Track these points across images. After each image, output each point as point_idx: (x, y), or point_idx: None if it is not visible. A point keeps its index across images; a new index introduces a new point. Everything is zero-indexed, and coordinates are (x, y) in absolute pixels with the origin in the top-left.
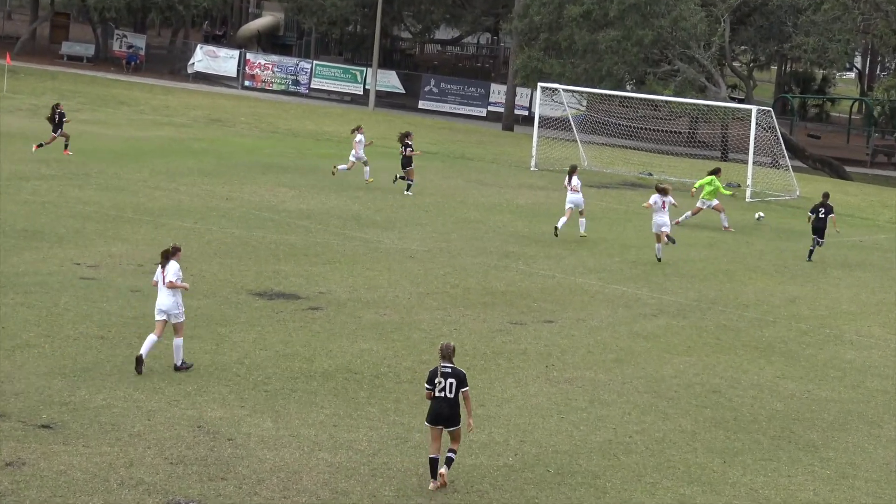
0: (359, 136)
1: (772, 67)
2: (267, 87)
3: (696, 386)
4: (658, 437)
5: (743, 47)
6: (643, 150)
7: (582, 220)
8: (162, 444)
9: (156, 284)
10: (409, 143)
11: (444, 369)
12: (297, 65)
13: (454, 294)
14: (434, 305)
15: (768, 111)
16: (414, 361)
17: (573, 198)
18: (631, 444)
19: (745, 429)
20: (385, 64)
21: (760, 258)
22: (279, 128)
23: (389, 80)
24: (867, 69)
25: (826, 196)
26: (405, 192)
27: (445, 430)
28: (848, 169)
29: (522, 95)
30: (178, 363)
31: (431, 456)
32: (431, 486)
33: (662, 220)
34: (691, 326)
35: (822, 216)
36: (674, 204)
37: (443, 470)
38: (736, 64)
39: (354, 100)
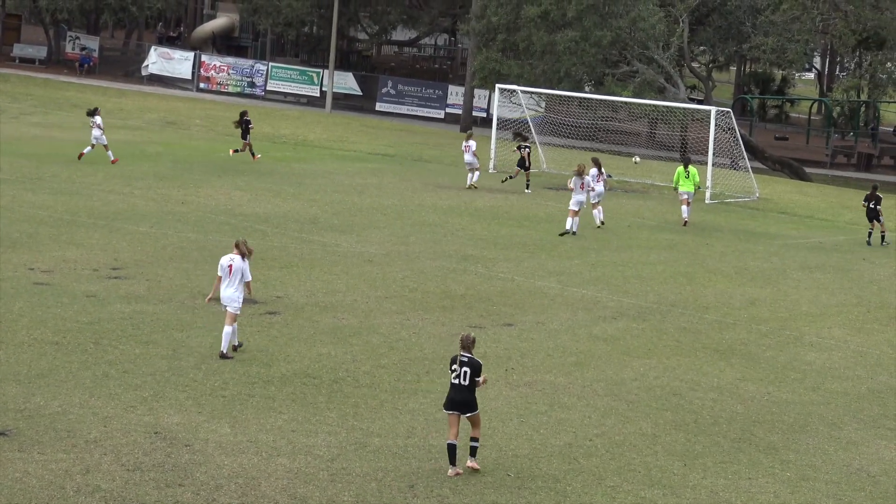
0: None
1: (731, 68)
2: (222, 90)
3: (656, 389)
4: (618, 440)
5: (702, 48)
6: (602, 152)
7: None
8: (118, 451)
9: (220, 279)
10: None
11: (462, 358)
12: (253, 67)
13: (413, 298)
14: (393, 309)
15: (727, 112)
16: (372, 366)
17: (580, 198)
18: (591, 447)
19: (705, 431)
20: (342, 66)
21: (720, 260)
22: (234, 131)
23: (346, 82)
24: (826, 70)
25: (875, 188)
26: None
27: (463, 417)
28: (807, 170)
29: (480, 97)
30: (225, 350)
31: (449, 442)
32: (451, 472)
33: (579, 199)
34: (651, 329)
35: (874, 206)
36: (592, 188)
37: (470, 463)
38: (695, 65)
39: (311, 102)
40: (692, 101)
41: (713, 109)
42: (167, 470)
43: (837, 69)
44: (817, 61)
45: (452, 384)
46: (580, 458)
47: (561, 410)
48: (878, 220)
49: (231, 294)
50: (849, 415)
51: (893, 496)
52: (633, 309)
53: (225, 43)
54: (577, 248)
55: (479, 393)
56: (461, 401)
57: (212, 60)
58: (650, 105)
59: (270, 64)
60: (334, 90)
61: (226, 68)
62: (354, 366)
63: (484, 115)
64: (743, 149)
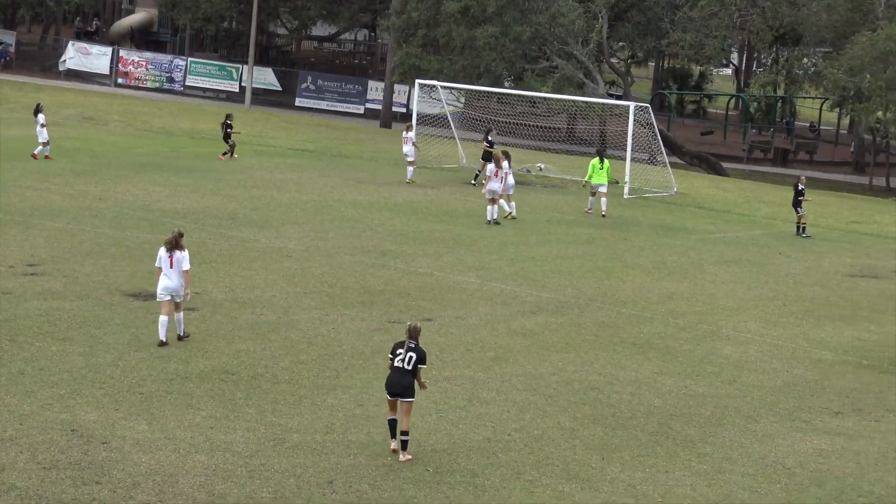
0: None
1: (649, 63)
2: (141, 85)
3: (574, 383)
4: (537, 434)
5: (621, 43)
6: (521, 147)
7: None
8: (34, 449)
9: (160, 270)
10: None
11: (409, 344)
12: (172, 62)
13: (332, 293)
14: (311, 305)
15: (646, 107)
16: (291, 362)
17: (494, 186)
18: (510, 441)
19: (623, 425)
20: (261, 61)
21: (638, 255)
22: (153, 126)
23: (266, 78)
24: (743, 65)
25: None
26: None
27: (399, 401)
28: (725, 165)
29: (400, 92)
30: (182, 333)
31: (390, 418)
32: (393, 444)
33: (492, 188)
34: (570, 323)
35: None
36: (507, 172)
37: (403, 458)
38: (614, 60)
39: (230, 97)
40: (611, 96)
41: (632, 104)
42: (84, 468)
43: (754, 65)
44: (735, 57)
45: (395, 368)
46: (499, 453)
47: (480, 405)
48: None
49: (173, 284)
50: (765, 408)
51: (808, 488)
52: (551, 303)
53: (143, 38)
54: (496, 243)
55: None
56: (402, 384)
57: (130, 55)
58: (569, 100)
59: (189, 59)
60: (254, 85)
61: (144, 63)
62: (273, 362)
63: (403, 110)
64: (661, 144)
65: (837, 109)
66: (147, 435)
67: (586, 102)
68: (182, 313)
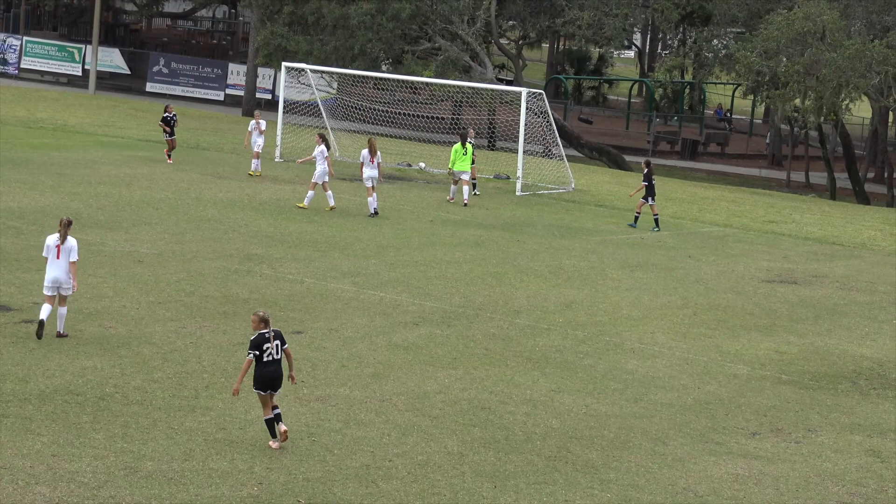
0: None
1: (543, 45)
2: None
3: (462, 402)
4: (421, 460)
5: (511, 23)
6: (401, 139)
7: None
8: None
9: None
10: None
11: (268, 334)
12: (5, 41)
13: (190, 303)
14: (167, 316)
15: (540, 94)
16: (144, 380)
17: (372, 173)
18: (391, 468)
19: (517, 449)
20: (107, 41)
21: (533, 259)
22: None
23: (112, 59)
24: (647, 47)
25: (649, 163)
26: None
27: (271, 392)
28: (628, 158)
29: (265, 77)
30: (62, 330)
31: (268, 418)
32: (274, 445)
33: (371, 174)
34: (457, 336)
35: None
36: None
37: (284, 427)
38: (503, 41)
39: (72, 81)
40: (501, 81)
41: (524, 91)
42: None
43: (659, 47)
44: (637, 38)
45: (266, 363)
46: (379, 481)
47: (357, 428)
48: (653, 200)
49: (60, 276)
50: (674, 428)
51: None
52: (436, 313)
53: None
54: (374, 246)
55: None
56: (278, 377)
57: None
58: (454, 86)
59: (25, 38)
60: (98, 68)
61: None
62: (123, 380)
63: (269, 96)
64: (557, 135)
65: (751, 97)
66: None
67: (473, 88)
68: (66, 308)
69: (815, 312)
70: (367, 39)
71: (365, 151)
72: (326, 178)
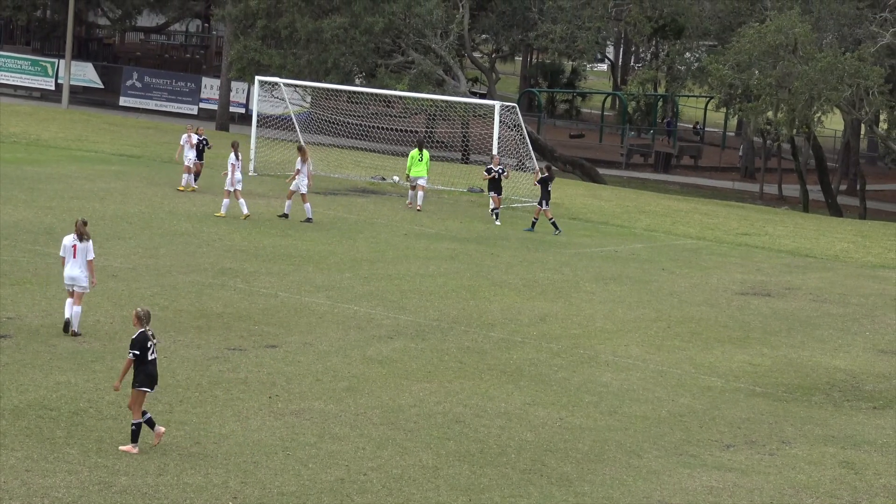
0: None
1: (516, 58)
2: None
3: (437, 415)
4: (396, 473)
5: (484, 36)
6: (375, 152)
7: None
8: None
9: (64, 260)
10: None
11: (149, 332)
12: None
13: (163, 317)
14: None
15: (513, 107)
16: (118, 395)
17: (304, 180)
18: (366, 482)
19: (492, 462)
20: (80, 55)
21: (507, 272)
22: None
23: (85, 74)
24: (620, 60)
25: (550, 167)
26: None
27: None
28: (601, 171)
29: (238, 91)
30: (76, 329)
31: (138, 421)
32: (135, 449)
33: (302, 181)
34: (431, 349)
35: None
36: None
37: (162, 428)
38: (477, 55)
39: (45, 96)
40: (474, 94)
41: (497, 104)
42: None
43: (632, 60)
44: (610, 51)
45: (151, 361)
46: (354, 495)
47: (332, 442)
48: (547, 205)
49: (77, 273)
50: (649, 441)
51: None
52: (410, 327)
53: None
54: (347, 260)
55: (239, 422)
56: (157, 374)
57: None
58: (428, 99)
59: None
60: (72, 83)
61: None
62: (97, 395)
63: (243, 110)
64: (530, 148)
65: (724, 109)
66: None
67: (447, 102)
68: (80, 307)
69: (789, 325)
70: (340, 53)
71: (299, 160)
72: (239, 187)
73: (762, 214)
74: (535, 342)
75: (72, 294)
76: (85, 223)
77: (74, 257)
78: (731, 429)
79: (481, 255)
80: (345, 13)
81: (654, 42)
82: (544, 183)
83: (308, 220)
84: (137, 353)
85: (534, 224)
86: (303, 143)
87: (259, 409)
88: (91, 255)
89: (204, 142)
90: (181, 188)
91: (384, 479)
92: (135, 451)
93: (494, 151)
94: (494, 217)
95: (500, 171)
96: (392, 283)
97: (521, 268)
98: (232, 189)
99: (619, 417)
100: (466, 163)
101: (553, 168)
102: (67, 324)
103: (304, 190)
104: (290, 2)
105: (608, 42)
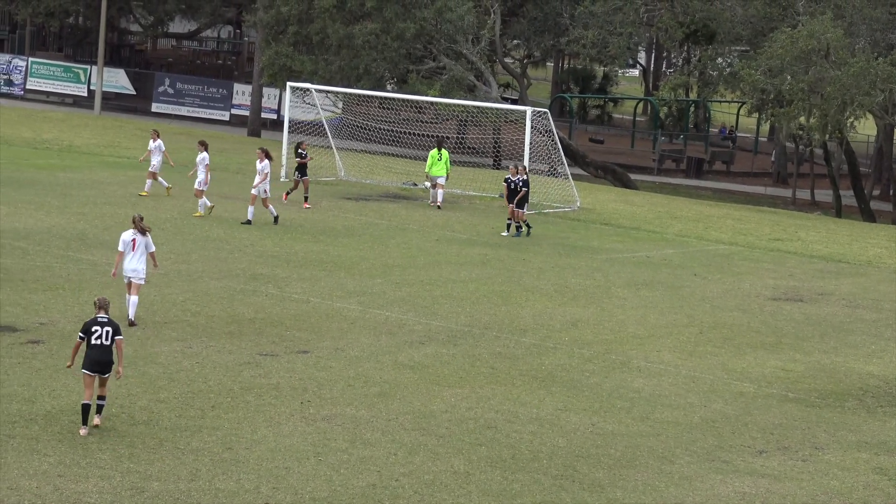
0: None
1: (548, 64)
2: None
3: (469, 421)
4: (428, 479)
5: (515, 41)
6: (406, 158)
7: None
8: None
9: (121, 254)
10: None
11: (101, 319)
12: (10, 62)
13: (195, 323)
14: (173, 336)
15: (544, 113)
16: (150, 400)
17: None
18: (398, 488)
19: (524, 468)
20: (112, 61)
21: (539, 277)
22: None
23: (118, 80)
24: (652, 66)
25: (517, 166)
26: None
27: (98, 377)
28: (633, 176)
29: (270, 96)
30: (132, 318)
31: (85, 402)
32: (83, 431)
33: (265, 185)
34: (463, 355)
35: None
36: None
37: (97, 419)
38: (508, 60)
39: (77, 102)
40: (505, 100)
41: (528, 110)
42: None
43: (664, 65)
44: (642, 57)
45: (94, 346)
46: (385, 501)
47: (363, 447)
48: (522, 206)
49: (135, 266)
50: (681, 447)
51: None
52: (442, 332)
53: None
54: (379, 266)
55: (271, 428)
56: (104, 361)
57: None
58: (459, 105)
59: (30, 59)
60: (104, 89)
61: None
62: (130, 400)
63: (274, 116)
64: (562, 153)
65: (756, 114)
66: None
67: (478, 107)
68: (137, 297)
69: (821, 330)
70: (371, 59)
71: (266, 163)
72: (204, 188)
73: (795, 220)
74: (567, 348)
75: (129, 286)
76: (142, 218)
77: (134, 251)
78: (763, 434)
79: (513, 261)
80: (376, 19)
81: (685, 47)
82: (526, 185)
83: (248, 222)
84: (82, 335)
85: (518, 228)
86: (335, 150)
87: (291, 414)
88: (152, 248)
89: (303, 155)
90: (142, 193)
91: (416, 485)
92: (83, 432)
93: (525, 158)
94: (507, 227)
95: (519, 182)
96: (424, 288)
97: (553, 273)
98: (200, 188)
99: (651, 423)
100: (498, 168)
101: (527, 170)
102: (131, 323)
103: (263, 195)
104: (322, 8)
105: (640, 47)
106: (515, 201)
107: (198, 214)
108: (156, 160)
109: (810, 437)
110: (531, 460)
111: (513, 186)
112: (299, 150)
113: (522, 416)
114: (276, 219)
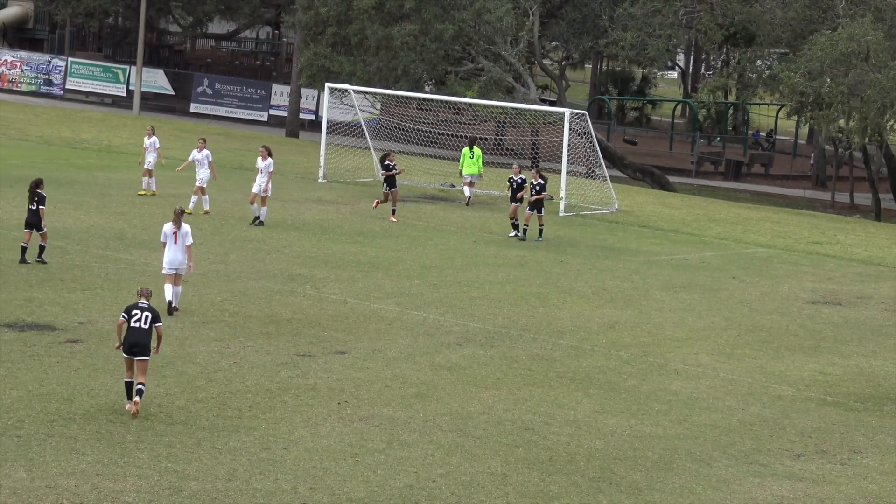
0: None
1: (586, 66)
2: (15, 88)
3: (506, 423)
4: (465, 480)
5: (554, 43)
6: (444, 159)
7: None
8: None
9: (164, 245)
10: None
11: (142, 304)
12: (50, 62)
13: (233, 323)
14: (211, 336)
15: (583, 115)
16: (188, 400)
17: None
18: (435, 489)
19: (561, 470)
20: (151, 61)
21: (576, 279)
22: (30, 135)
23: (156, 80)
24: (691, 68)
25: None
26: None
27: (136, 360)
28: (671, 179)
29: (308, 97)
30: (176, 305)
31: (127, 380)
32: (128, 406)
33: (261, 182)
34: (500, 356)
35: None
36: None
37: (136, 405)
38: (546, 62)
39: (116, 102)
40: (544, 102)
41: (567, 112)
42: None
43: (703, 67)
44: (681, 59)
45: (132, 328)
46: (422, 502)
47: (400, 448)
48: (540, 210)
49: (178, 257)
50: (718, 450)
51: None
52: (480, 334)
53: (17, 35)
54: (417, 267)
55: (308, 429)
56: (141, 343)
57: (2, 55)
58: (497, 107)
59: (70, 59)
60: (143, 89)
61: (19, 64)
62: (168, 400)
63: (312, 117)
64: (600, 155)
65: (795, 117)
66: (25, 483)
67: (516, 109)
68: (181, 287)
69: (860, 334)
70: (410, 60)
71: (269, 161)
72: (204, 184)
73: (833, 223)
74: (605, 350)
75: (171, 280)
76: (182, 211)
77: (175, 243)
78: (801, 438)
79: (550, 263)
80: (415, 20)
81: (724, 50)
82: (543, 189)
83: (258, 220)
84: (124, 315)
85: (530, 232)
86: (372, 150)
87: (328, 415)
88: (190, 241)
89: (391, 167)
90: (141, 192)
91: (453, 486)
92: (128, 406)
93: (564, 160)
94: (512, 227)
95: (519, 181)
96: (461, 289)
97: (591, 275)
98: (202, 185)
99: (688, 426)
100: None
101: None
102: (170, 305)
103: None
104: (361, 9)
105: (679, 49)
106: (531, 203)
107: (189, 211)
108: (151, 157)
109: (849, 440)
110: (568, 462)
111: (514, 186)
112: (386, 162)
113: (560, 418)
114: (260, 221)
